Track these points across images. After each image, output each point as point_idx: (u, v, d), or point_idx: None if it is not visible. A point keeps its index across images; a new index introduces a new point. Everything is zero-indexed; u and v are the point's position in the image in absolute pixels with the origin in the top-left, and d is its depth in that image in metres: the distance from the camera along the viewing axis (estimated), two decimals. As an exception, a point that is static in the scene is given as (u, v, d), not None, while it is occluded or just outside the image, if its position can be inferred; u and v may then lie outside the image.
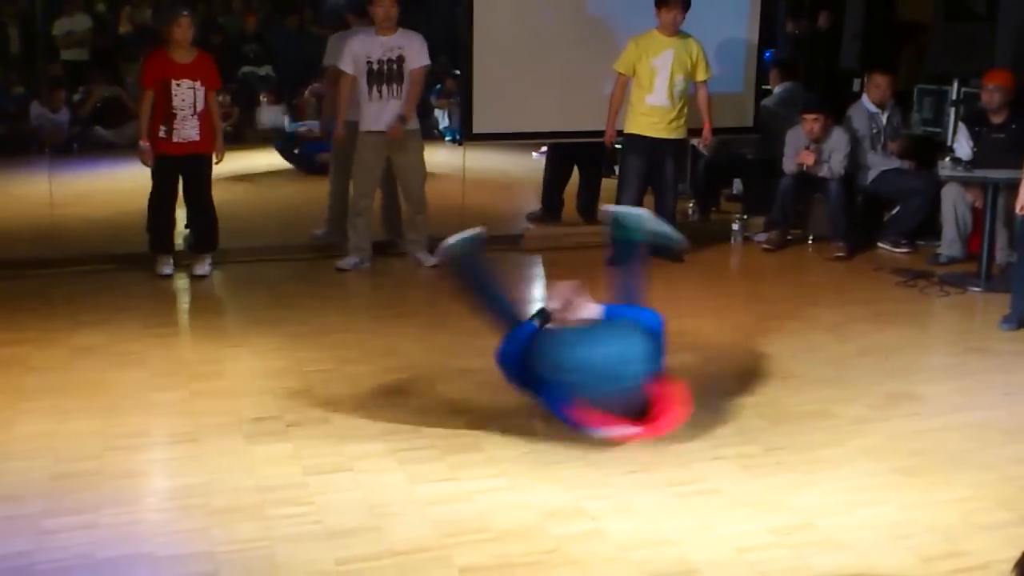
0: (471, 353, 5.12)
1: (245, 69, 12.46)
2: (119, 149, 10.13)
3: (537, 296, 6.18)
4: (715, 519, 3.48)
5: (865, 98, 7.64)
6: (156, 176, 6.35)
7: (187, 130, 6.24)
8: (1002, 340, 5.51)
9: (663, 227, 4.88)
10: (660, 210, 7.07)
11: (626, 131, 6.96)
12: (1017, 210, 5.56)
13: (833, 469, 3.88)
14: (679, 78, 6.80)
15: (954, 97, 7.93)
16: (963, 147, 6.87)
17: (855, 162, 7.43)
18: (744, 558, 3.24)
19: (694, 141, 7.71)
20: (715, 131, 7.13)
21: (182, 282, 6.40)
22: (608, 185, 7.78)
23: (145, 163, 6.33)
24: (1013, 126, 6.70)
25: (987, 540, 3.36)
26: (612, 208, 4.92)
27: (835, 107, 7.62)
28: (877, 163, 7.48)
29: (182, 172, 6.31)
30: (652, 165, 6.95)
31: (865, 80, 7.80)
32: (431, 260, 6.74)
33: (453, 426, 4.18)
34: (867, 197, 7.63)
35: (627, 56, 6.85)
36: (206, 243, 6.49)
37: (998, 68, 7.04)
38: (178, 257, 6.52)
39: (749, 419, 4.33)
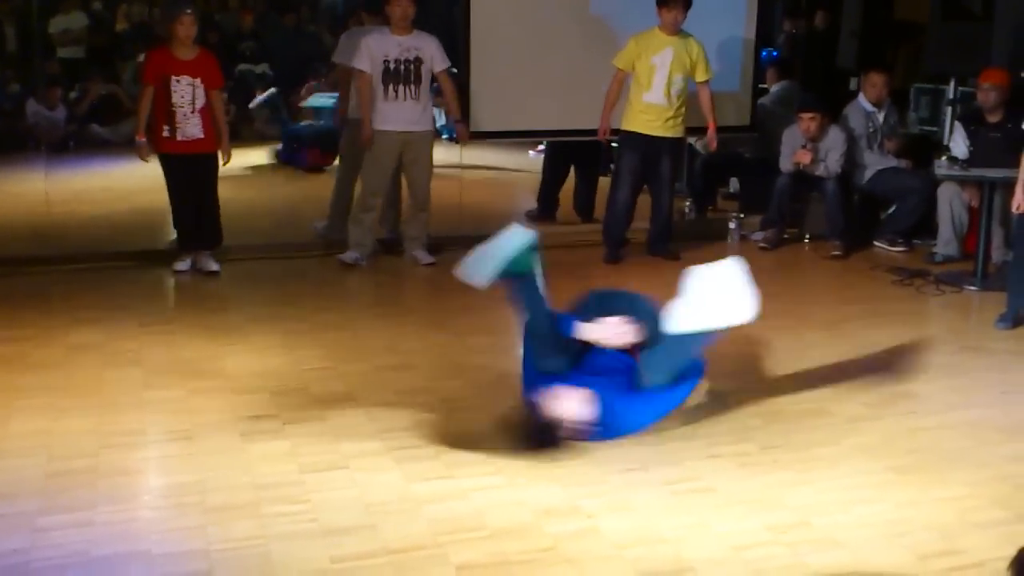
0: (468, 351, 5.13)
1: (242, 67, 12.45)
2: (115, 147, 10.15)
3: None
4: (711, 517, 3.48)
5: (862, 97, 7.64)
6: (168, 177, 6.36)
7: (190, 128, 6.23)
8: (998, 339, 5.52)
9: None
10: (656, 208, 7.11)
11: (623, 128, 6.96)
12: (1013, 209, 5.57)
13: (829, 467, 3.89)
14: (677, 77, 6.80)
15: (951, 96, 7.93)
16: (959, 146, 6.88)
17: (852, 161, 7.44)
18: (740, 556, 3.24)
19: (691, 139, 7.70)
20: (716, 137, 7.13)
21: (179, 279, 6.39)
22: (605, 184, 7.77)
23: (142, 159, 6.33)
24: (1009, 125, 6.70)
25: (983, 538, 3.37)
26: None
27: (832, 106, 7.62)
28: (873, 162, 7.49)
29: (189, 170, 6.31)
30: (648, 163, 6.96)
31: (862, 79, 7.81)
32: (428, 258, 6.76)
33: (449, 424, 4.17)
34: (863, 196, 7.63)
35: (627, 53, 6.85)
36: (209, 240, 6.50)
37: (994, 67, 7.03)
38: (177, 254, 6.51)
39: (745, 417, 4.33)
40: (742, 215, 7.82)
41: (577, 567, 3.16)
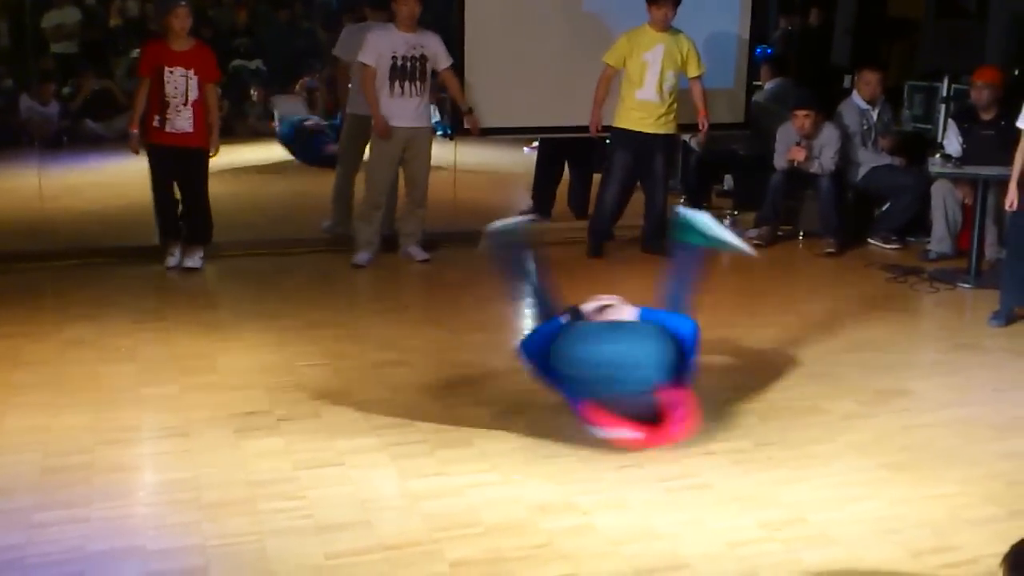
0: (463, 348, 5.13)
1: (236, 63, 12.43)
2: (109, 142, 10.12)
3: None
4: (706, 514, 3.49)
5: (856, 95, 7.65)
6: (152, 167, 6.37)
7: (180, 121, 6.23)
8: (991, 336, 5.54)
9: (726, 234, 4.55)
10: (651, 206, 7.10)
11: (615, 126, 6.96)
12: (1006, 206, 5.59)
13: (823, 464, 3.90)
14: (669, 73, 6.81)
15: (944, 94, 7.95)
16: (953, 144, 6.89)
17: (846, 158, 7.45)
18: (735, 552, 3.25)
19: (686, 136, 7.69)
20: (708, 126, 7.13)
21: (173, 276, 6.39)
22: (600, 181, 7.77)
23: (133, 150, 6.32)
24: (1002, 123, 6.71)
25: (975, 535, 3.38)
26: (681, 210, 4.59)
27: (826, 103, 7.64)
28: (868, 159, 7.50)
29: (177, 164, 6.30)
30: (641, 160, 6.96)
31: (856, 77, 7.82)
32: (423, 255, 6.76)
33: (444, 421, 4.18)
34: (857, 193, 7.64)
35: (617, 49, 6.85)
36: (199, 236, 6.49)
37: (987, 65, 7.06)
38: (165, 249, 6.50)
39: (739, 415, 4.34)
40: (736, 212, 7.83)
41: (572, 563, 3.17)
